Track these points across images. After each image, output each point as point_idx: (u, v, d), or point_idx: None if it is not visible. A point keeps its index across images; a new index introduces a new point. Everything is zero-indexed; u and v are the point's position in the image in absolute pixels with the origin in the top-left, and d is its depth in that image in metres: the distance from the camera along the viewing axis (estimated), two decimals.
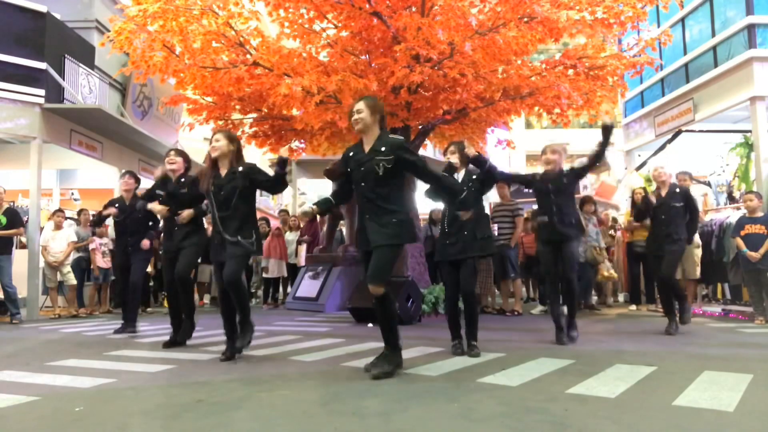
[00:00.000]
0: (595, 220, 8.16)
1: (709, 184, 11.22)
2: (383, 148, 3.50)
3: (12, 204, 8.92)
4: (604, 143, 4.79)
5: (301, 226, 10.31)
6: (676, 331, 5.35)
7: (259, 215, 14.54)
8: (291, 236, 10.15)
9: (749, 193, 7.06)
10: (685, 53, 11.20)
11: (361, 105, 3.58)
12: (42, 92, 8.22)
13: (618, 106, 13.46)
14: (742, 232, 6.55)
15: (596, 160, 4.87)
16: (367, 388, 3.17)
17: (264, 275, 9.81)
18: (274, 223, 10.88)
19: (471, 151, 4.57)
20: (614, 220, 10.66)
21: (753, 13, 9.35)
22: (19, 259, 8.26)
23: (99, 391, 3.20)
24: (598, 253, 7.95)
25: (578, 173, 5.02)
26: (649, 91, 12.77)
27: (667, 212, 5.57)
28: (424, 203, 13.39)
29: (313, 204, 3.94)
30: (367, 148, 3.59)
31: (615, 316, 7.50)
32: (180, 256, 4.87)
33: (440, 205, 10.93)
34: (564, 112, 7.34)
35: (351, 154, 3.68)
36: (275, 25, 7.07)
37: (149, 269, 8.84)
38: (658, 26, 10.40)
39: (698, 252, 7.21)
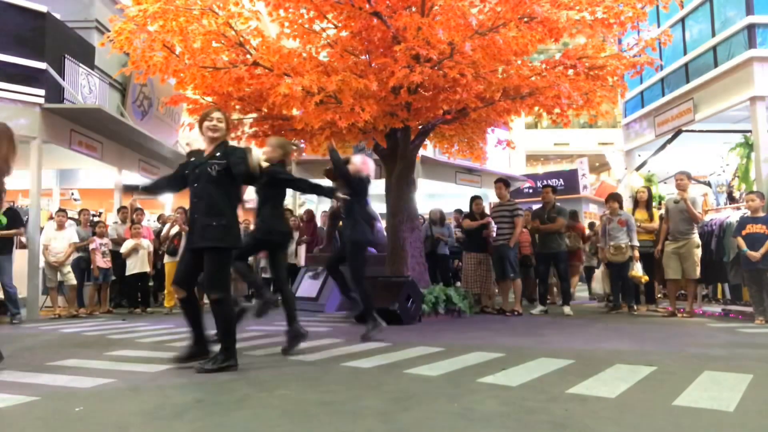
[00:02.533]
0: (620, 218, 7.74)
1: (709, 184, 11.22)
2: (218, 154, 3.82)
3: (12, 204, 8.93)
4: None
5: (301, 225, 10.32)
6: None
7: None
8: None
9: (751, 193, 7.05)
10: (685, 53, 11.20)
11: (221, 115, 3.93)
12: (42, 92, 8.22)
13: (618, 106, 13.46)
14: (744, 232, 6.55)
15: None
16: (367, 388, 3.17)
17: (263, 275, 9.80)
18: None
19: None
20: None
21: (753, 13, 9.35)
22: (19, 259, 8.26)
23: (99, 391, 3.19)
24: (616, 253, 7.65)
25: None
26: (649, 91, 12.78)
27: None
28: (424, 203, 13.41)
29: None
30: (206, 154, 3.89)
31: (615, 316, 7.50)
32: None
33: (439, 205, 10.96)
34: (564, 112, 7.33)
35: (192, 159, 4.00)
36: (275, 25, 7.07)
37: (148, 269, 8.86)
38: (658, 26, 10.39)
39: (698, 252, 7.20)
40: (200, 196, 3.79)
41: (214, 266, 3.74)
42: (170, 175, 4.23)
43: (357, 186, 5.44)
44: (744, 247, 6.45)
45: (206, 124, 3.88)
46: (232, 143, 4.17)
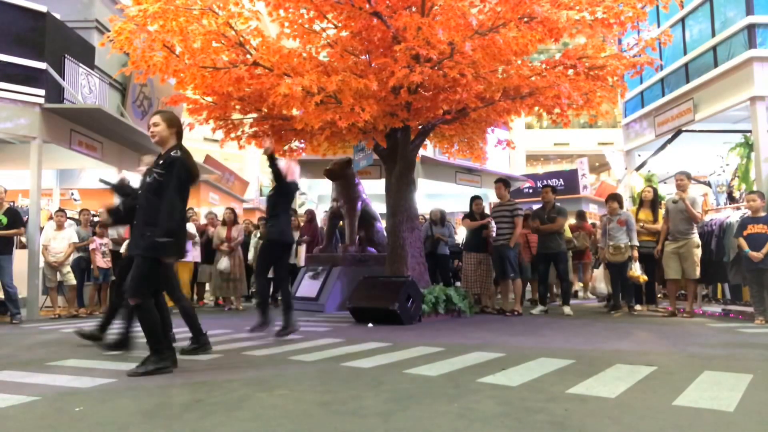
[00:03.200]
0: (620, 218, 7.75)
1: (709, 184, 11.22)
2: (161, 161, 3.75)
3: (12, 204, 8.93)
4: None
5: (301, 225, 10.32)
6: None
7: (259, 215, 14.51)
8: None
9: (752, 193, 7.02)
10: (685, 53, 11.20)
11: (157, 118, 3.80)
12: (42, 92, 8.22)
13: (618, 106, 13.46)
14: (745, 232, 6.52)
15: None
16: (367, 388, 3.17)
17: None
18: None
19: None
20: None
21: (753, 13, 9.35)
22: (19, 259, 8.26)
23: (99, 391, 3.20)
24: (615, 253, 7.67)
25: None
26: (649, 91, 12.78)
27: None
28: (424, 203, 13.42)
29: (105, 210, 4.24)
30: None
31: (616, 316, 7.50)
32: None
33: (440, 205, 10.95)
34: (564, 112, 7.33)
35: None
36: (275, 25, 7.06)
37: None
38: (658, 26, 10.40)
39: (698, 252, 7.20)
40: (142, 204, 3.77)
41: (140, 272, 3.64)
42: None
43: (286, 187, 5.81)
44: (746, 247, 6.42)
45: (151, 129, 3.81)
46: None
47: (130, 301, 3.71)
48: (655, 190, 8.44)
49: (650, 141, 12.43)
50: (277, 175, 5.75)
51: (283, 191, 5.83)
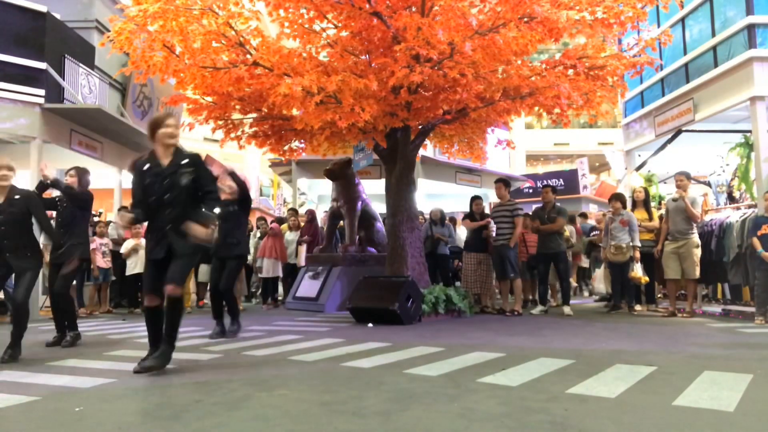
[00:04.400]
0: (622, 218, 7.75)
1: (709, 184, 11.22)
2: (183, 162, 3.84)
3: None
4: None
5: (302, 225, 10.32)
6: None
7: (258, 215, 14.44)
8: (291, 236, 10.15)
9: None
10: (685, 53, 11.20)
11: (176, 121, 3.91)
12: (42, 92, 8.23)
13: (618, 106, 13.46)
14: (759, 232, 6.43)
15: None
16: (367, 388, 3.17)
17: (259, 275, 9.82)
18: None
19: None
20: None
21: (753, 13, 9.35)
22: None
23: (99, 391, 3.20)
24: (617, 253, 7.69)
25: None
26: (649, 91, 12.78)
27: None
28: (424, 203, 13.42)
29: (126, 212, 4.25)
30: (166, 161, 3.85)
31: (615, 316, 7.50)
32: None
33: (440, 205, 10.95)
34: (564, 112, 7.33)
35: (146, 167, 3.88)
36: (275, 25, 7.06)
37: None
38: (658, 26, 10.40)
39: (697, 252, 7.19)
40: (174, 205, 3.79)
41: (188, 266, 3.88)
42: (138, 196, 3.96)
43: (248, 200, 6.07)
44: (759, 248, 6.34)
45: (163, 131, 3.82)
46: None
47: (176, 292, 3.70)
48: (646, 190, 8.49)
49: (650, 141, 12.43)
50: (242, 188, 5.93)
51: (246, 204, 6.06)
